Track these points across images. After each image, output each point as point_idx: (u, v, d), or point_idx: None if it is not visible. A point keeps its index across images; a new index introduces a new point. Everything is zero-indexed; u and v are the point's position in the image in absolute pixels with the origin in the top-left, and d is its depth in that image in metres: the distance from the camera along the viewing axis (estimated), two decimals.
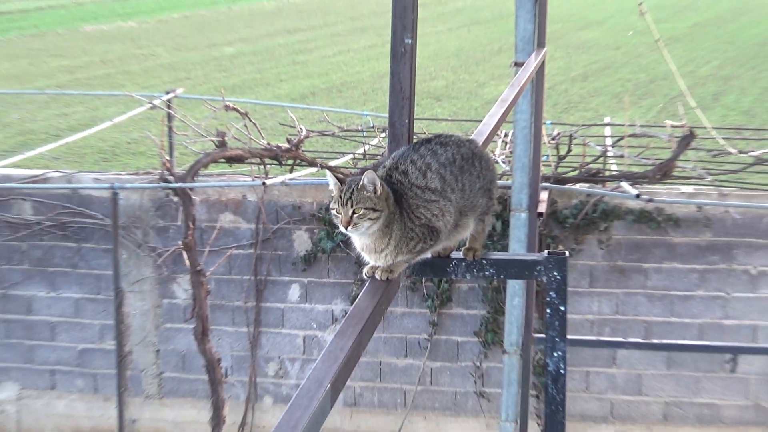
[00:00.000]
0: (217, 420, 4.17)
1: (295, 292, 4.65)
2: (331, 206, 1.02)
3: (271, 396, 4.83)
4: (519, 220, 2.96)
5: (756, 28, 14.96)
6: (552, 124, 4.81)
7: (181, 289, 4.67)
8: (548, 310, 1.27)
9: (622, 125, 4.72)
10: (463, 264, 1.23)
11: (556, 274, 1.21)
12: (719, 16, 17.12)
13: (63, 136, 6.45)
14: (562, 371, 1.27)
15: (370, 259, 1.07)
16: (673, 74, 4.68)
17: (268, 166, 4.74)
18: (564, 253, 1.25)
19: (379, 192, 0.99)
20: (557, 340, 1.26)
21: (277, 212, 4.67)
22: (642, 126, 4.67)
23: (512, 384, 3.05)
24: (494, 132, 1.84)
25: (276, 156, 4.59)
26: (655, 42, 4.26)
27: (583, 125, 5.37)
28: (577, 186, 4.45)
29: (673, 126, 4.37)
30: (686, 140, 4.29)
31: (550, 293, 1.24)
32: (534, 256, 1.37)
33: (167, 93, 5.33)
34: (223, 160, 4.54)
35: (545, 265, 1.22)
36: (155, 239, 4.68)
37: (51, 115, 8.40)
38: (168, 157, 4.78)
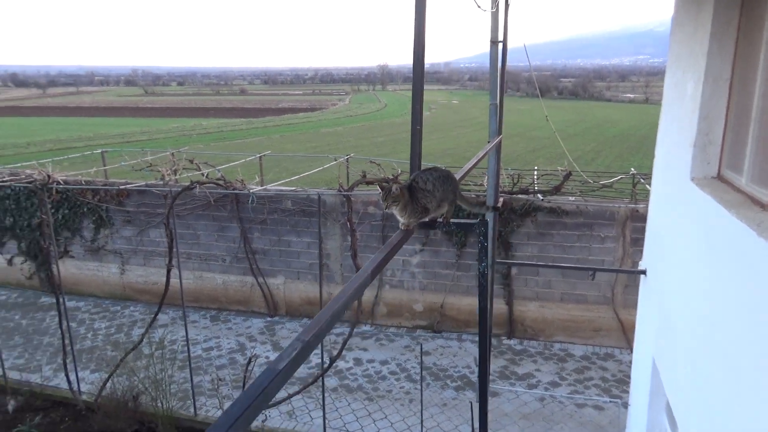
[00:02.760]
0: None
1: None
2: (380, 199, 2.19)
3: (388, 285, 10.66)
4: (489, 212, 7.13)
5: (614, 129, 42.91)
6: (512, 169, 10.39)
7: (349, 239, 10.59)
8: (479, 245, 2.40)
9: (537, 169, 10.33)
10: (441, 224, 2.38)
11: (483, 228, 2.38)
12: (596, 124, 47.12)
13: (299, 172, 13.03)
14: (486, 272, 2.45)
15: (400, 218, 2.21)
16: (565, 149, 10.11)
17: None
18: (486, 220, 2.49)
19: (398, 193, 2.13)
20: (483, 257, 2.44)
21: None
22: (549, 170, 10.21)
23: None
24: (472, 168, 3.56)
25: (387, 181, 10.41)
26: (546, 120, 9.60)
27: (523, 169, 10.91)
28: (520, 195, 9.94)
29: (562, 169, 9.79)
30: (568, 175, 9.68)
31: (480, 237, 2.37)
32: (473, 222, 2.50)
33: (348, 155, 11.33)
34: (364, 183, 10.43)
35: (478, 225, 2.41)
36: (339, 217, 10.59)
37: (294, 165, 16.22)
38: (341, 182, 10.71)
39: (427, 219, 2.46)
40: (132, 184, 10.54)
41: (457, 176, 2.93)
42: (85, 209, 11.35)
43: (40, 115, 68.68)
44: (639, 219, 9.01)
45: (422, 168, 2.40)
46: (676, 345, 3.89)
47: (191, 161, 10.22)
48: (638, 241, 8.90)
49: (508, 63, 5.84)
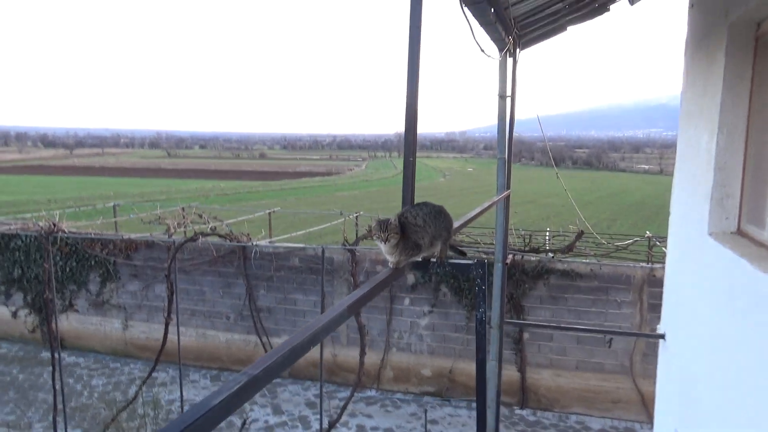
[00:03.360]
0: (362, 356, 9.64)
1: (407, 300, 10.14)
2: (375, 233, 2.01)
3: (395, 348, 10.25)
4: (498, 267, 5.41)
5: (630, 198, 42.89)
6: (523, 230, 10.19)
7: None
8: (476, 289, 2.21)
9: (549, 230, 10.10)
10: (436, 264, 2.17)
11: (480, 270, 2.14)
12: (612, 193, 47.09)
13: (307, 227, 12.82)
14: (484, 319, 2.20)
15: (389, 258, 2.04)
16: (580, 213, 9.93)
17: None
18: (484, 261, 2.15)
19: (396, 225, 1.99)
20: (482, 303, 2.20)
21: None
22: (561, 231, 10.00)
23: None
24: (475, 218, 3.33)
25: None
26: (557, 177, 9.48)
27: (535, 231, 10.71)
28: (530, 254, 9.67)
29: (574, 228, 9.54)
30: (580, 234, 9.42)
31: (477, 280, 2.17)
32: (470, 262, 2.21)
33: (357, 213, 11.27)
34: (371, 238, 10.29)
35: (475, 267, 2.16)
36: (347, 275, 10.36)
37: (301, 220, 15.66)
38: (345, 236, 10.58)
39: (419, 258, 2.30)
40: (136, 235, 10.50)
41: (458, 224, 2.78)
42: (92, 262, 11.29)
43: (64, 175, 70.70)
44: (656, 283, 8.65)
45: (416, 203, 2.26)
46: (701, 416, 3.54)
47: (200, 215, 10.20)
48: (656, 307, 8.49)
49: (521, 132, 5.80)
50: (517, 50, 5.34)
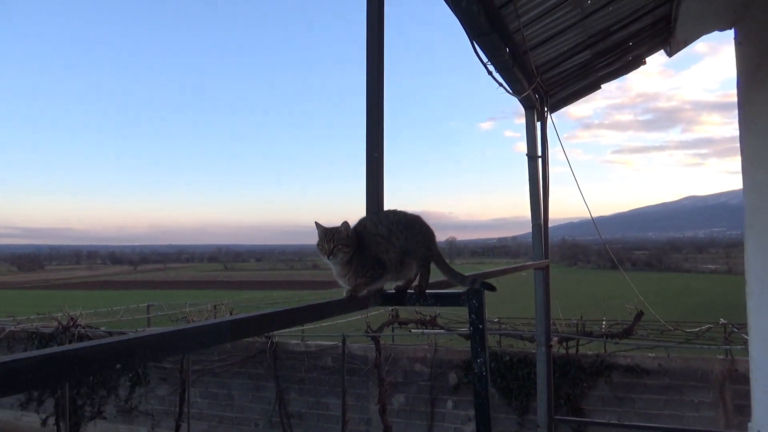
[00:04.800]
0: None
1: (449, 403, 9.09)
2: (317, 244, 1.55)
3: None
4: (541, 353, 4.86)
5: (698, 298, 39.87)
6: (575, 319, 9.19)
7: (392, 401, 9.36)
8: (471, 327, 1.62)
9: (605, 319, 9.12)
10: (414, 296, 1.70)
11: (474, 302, 1.62)
12: (678, 293, 43.57)
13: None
14: (483, 373, 1.59)
15: (341, 282, 1.59)
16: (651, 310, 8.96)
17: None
18: (480, 290, 1.64)
19: (348, 234, 1.54)
20: (479, 350, 1.61)
21: (441, 361, 9.33)
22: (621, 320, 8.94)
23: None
24: (501, 273, 3.17)
25: (423, 321, 9.37)
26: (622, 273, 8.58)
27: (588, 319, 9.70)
28: (584, 339, 8.57)
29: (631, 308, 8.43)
30: (639, 315, 8.31)
31: (472, 315, 1.61)
32: (459, 290, 1.69)
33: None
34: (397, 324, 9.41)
35: (467, 295, 1.64)
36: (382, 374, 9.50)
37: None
38: (368, 322, 9.84)
39: (390, 286, 1.75)
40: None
41: (477, 272, 2.23)
42: None
43: (127, 289, 73.24)
44: (740, 380, 7.40)
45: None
46: None
47: (230, 312, 9.81)
48: (744, 409, 7.21)
49: (575, 236, 5.23)
50: (546, 108, 4.97)
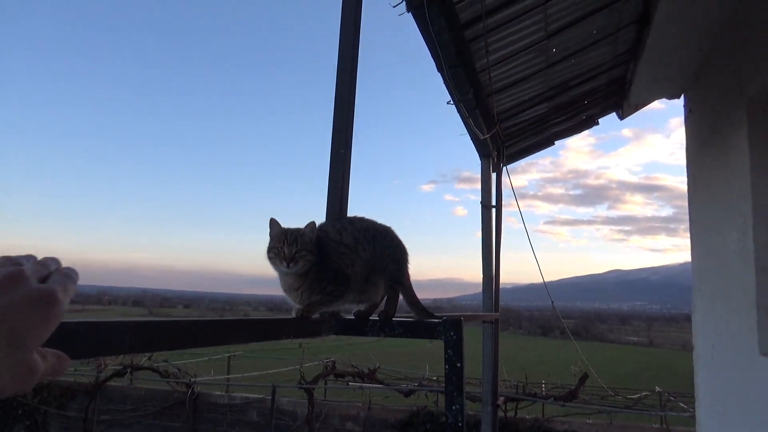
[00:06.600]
0: None
1: None
2: (272, 247, 1.25)
3: None
4: (487, 413, 4.71)
5: (624, 368, 35.64)
6: (516, 381, 9.00)
7: None
8: (446, 366, 1.32)
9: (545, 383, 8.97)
10: (378, 324, 1.40)
11: (452, 334, 1.35)
12: (605, 362, 37.52)
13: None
14: (459, 423, 1.29)
15: (291, 298, 1.31)
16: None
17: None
18: (459, 319, 1.37)
19: (313, 239, 1.27)
20: (455, 394, 1.32)
21: (375, 420, 8.81)
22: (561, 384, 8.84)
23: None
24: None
25: (360, 374, 8.88)
26: (552, 306, 8.54)
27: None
28: (527, 399, 8.34)
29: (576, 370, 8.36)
30: (584, 377, 8.23)
31: (448, 350, 1.33)
32: (434, 321, 1.44)
33: (328, 359, 10.14)
34: (333, 376, 8.89)
35: (443, 326, 1.37)
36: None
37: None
38: (303, 373, 9.26)
39: (350, 308, 1.45)
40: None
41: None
42: (20, 411, 9.70)
43: None
44: None
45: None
46: None
47: (149, 357, 8.96)
48: None
49: (508, 301, 5.10)
50: (502, 158, 4.91)
